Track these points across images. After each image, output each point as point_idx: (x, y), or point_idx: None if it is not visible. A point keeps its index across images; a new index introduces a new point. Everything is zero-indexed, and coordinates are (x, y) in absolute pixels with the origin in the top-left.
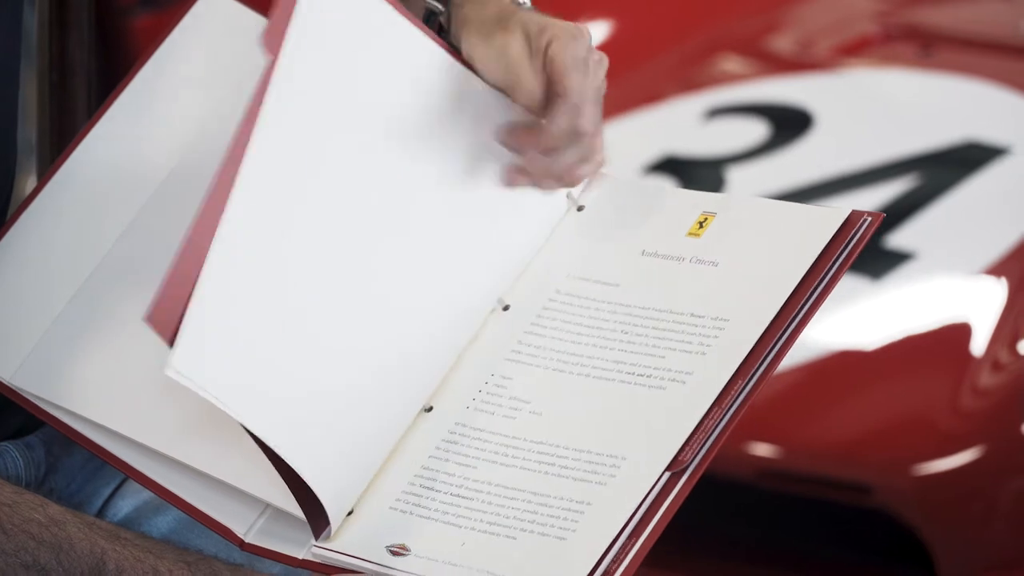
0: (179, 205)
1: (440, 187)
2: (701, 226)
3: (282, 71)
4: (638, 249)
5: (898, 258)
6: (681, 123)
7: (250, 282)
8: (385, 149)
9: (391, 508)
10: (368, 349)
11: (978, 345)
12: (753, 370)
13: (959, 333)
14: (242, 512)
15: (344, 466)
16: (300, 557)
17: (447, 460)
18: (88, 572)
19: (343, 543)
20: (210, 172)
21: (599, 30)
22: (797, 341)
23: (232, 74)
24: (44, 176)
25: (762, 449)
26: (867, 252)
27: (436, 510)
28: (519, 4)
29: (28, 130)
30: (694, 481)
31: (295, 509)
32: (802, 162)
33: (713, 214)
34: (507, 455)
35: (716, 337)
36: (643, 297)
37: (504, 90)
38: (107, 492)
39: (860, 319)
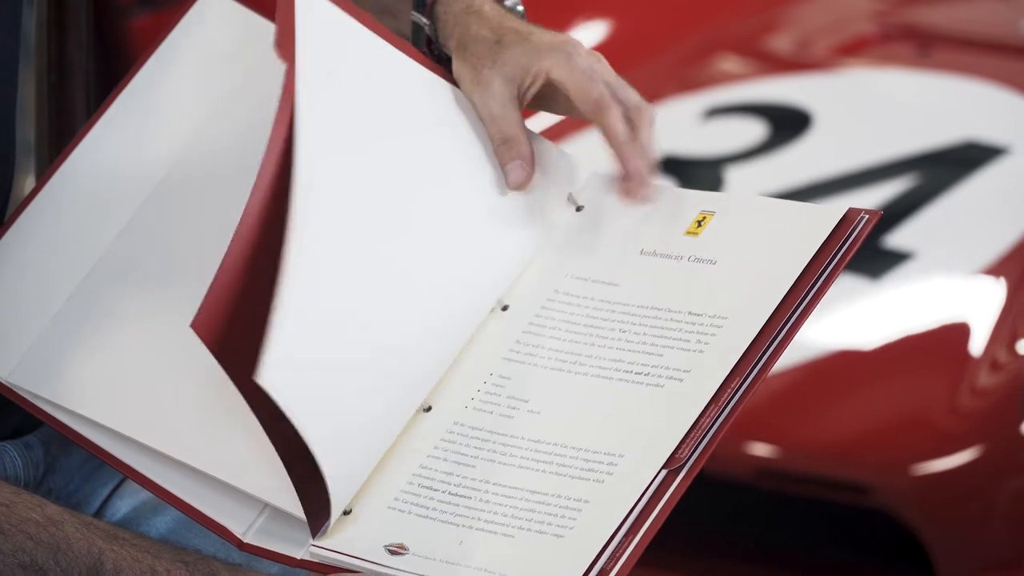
0: (177, 205)
1: (439, 189)
2: (699, 225)
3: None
4: (636, 248)
5: (897, 258)
6: (679, 123)
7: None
8: (386, 154)
9: (389, 508)
10: (372, 347)
11: (977, 345)
12: (750, 368)
13: (958, 333)
14: (240, 512)
15: (349, 457)
16: (298, 557)
17: (445, 459)
18: (86, 572)
19: (341, 543)
20: (208, 171)
21: (597, 30)
22: (796, 341)
23: (231, 73)
24: (43, 176)
25: (761, 449)
26: (866, 252)
27: (434, 509)
28: (509, 8)
29: (27, 130)
30: (691, 479)
31: (294, 509)
32: (800, 162)
33: (711, 213)
34: (505, 454)
35: (713, 335)
36: (641, 296)
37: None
38: (105, 492)
39: (859, 319)
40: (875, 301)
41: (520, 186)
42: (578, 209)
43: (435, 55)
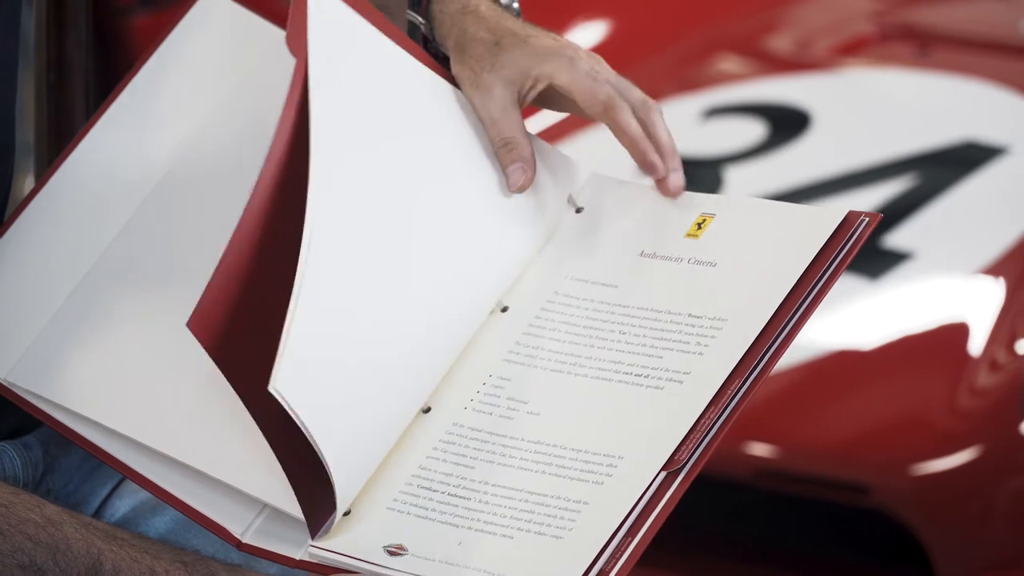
0: (176, 205)
1: (441, 190)
2: (699, 227)
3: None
4: (636, 250)
5: (896, 258)
6: (679, 123)
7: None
8: (389, 155)
9: (388, 508)
10: (375, 348)
11: (976, 345)
12: (750, 370)
13: (957, 333)
14: (239, 512)
15: (353, 460)
16: (297, 557)
17: (444, 460)
18: (84, 572)
19: (340, 543)
20: (208, 172)
21: (596, 30)
22: (795, 341)
23: (231, 74)
24: (42, 177)
25: (760, 449)
26: (865, 252)
27: (433, 510)
28: (505, 6)
29: (26, 131)
30: (690, 481)
31: (292, 509)
32: (800, 162)
33: (711, 215)
34: (505, 455)
35: (713, 337)
36: (641, 298)
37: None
38: (104, 492)
39: (858, 319)
40: (874, 301)
41: (521, 188)
42: (578, 211)
43: (431, 54)
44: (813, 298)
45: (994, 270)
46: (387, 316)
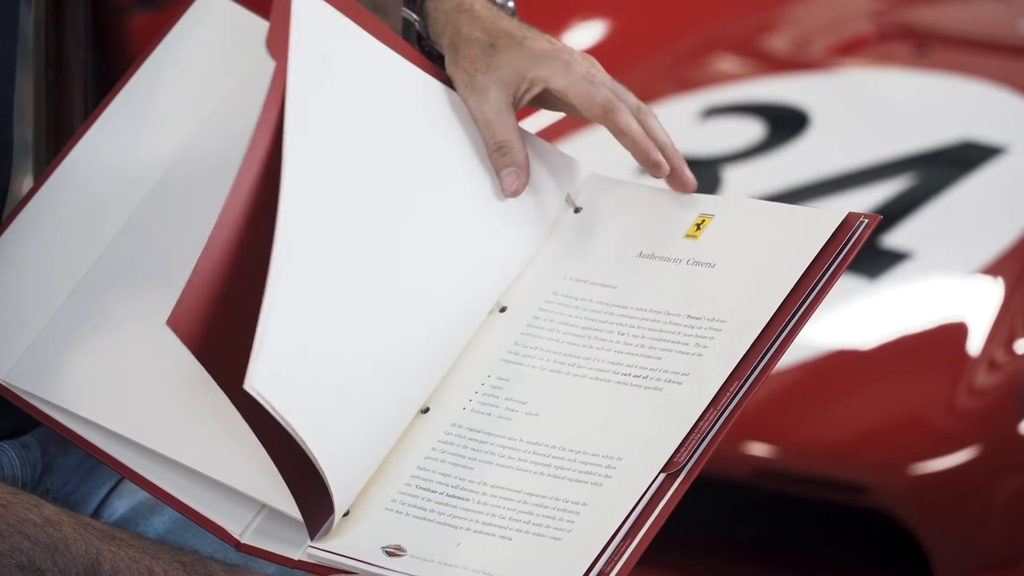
0: (175, 205)
1: (437, 190)
2: (698, 228)
3: (294, 84)
4: (635, 251)
5: (894, 258)
6: (677, 123)
7: (297, 290)
8: (387, 159)
9: (387, 509)
10: (372, 350)
11: (974, 344)
12: (749, 372)
13: (955, 333)
14: (237, 512)
15: (350, 463)
16: (296, 558)
17: (443, 461)
18: (83, 572)
19: (339, 544)
20: (206, 171)
21: (595, 30)
22: (793, 341)
23: (229, 74)
24: (41, 176)
25: (759, 449)
26: (863, 252)
27: (432, 511)
28: (500, 5)
29: (24, 130)
30: (689, 482)
31: (291, 509)
32: (798, 162)
33: (711, 216)
34: (503, 456)
35: (712, 339)
36: (640, 299)
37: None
38: (103, 492)
39: (857, 319)
40: (873, 301)
41: (514, 192)
42: (576, 211)
43: (426, 51)
44: (812, 300)
45: (993, 270)
46: (380, 317)
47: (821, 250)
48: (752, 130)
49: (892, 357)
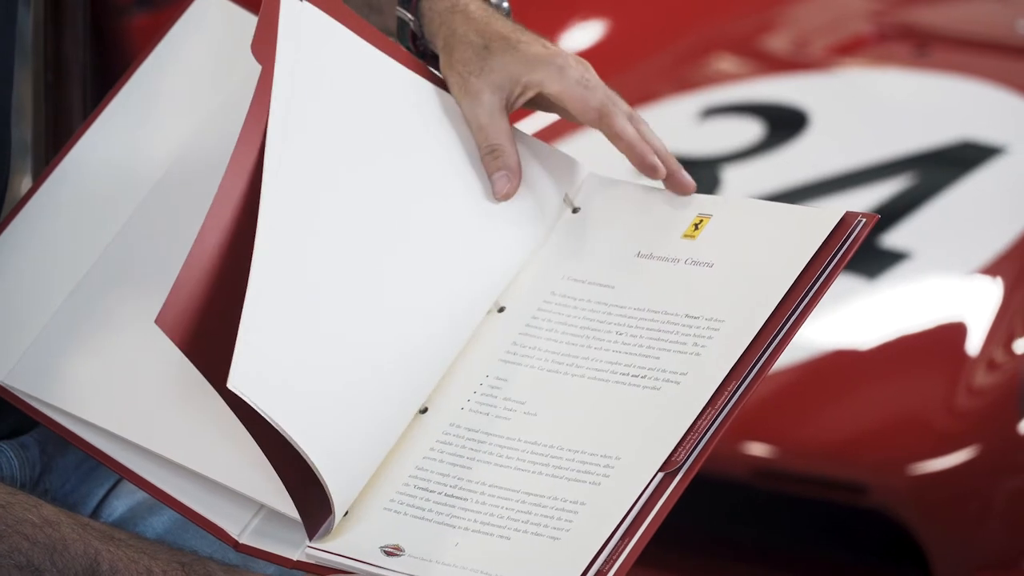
0: (174, 205)
1: (433, 191)
2: (696, 228)
3: (281, 86)
4: (633, 251)
5: (893, 258)
6: (676, 123)
7: (282, 290)
8: (382, 160)
9: (385, 509)
10: (370, 351)
11: (973, 344)
12: (747, 371)
13: (954, 333)
14: (236, 513)
15: (349, 465)
16: (294, 558)
17: (441, 461)
18: (82, 573)
19: (337, 544)
20: (206, 172)
21: (594, 30)
22: (792, 340)
23: (228, 75)
24: (40, 176)
25: (758, 449)
26: (862, 252)
27: (430, 511)
28: (495, 6)
29: (23, 130)
30: (687, 481)
31: (289, 510)
32: (797, 162)
33: (709, 216)
34: (501, 456)
35: (710, 338)
36: (638, 298)
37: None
38: (102, 492)
39: (856, 319)
40: (872, 301)
41: (506, 196)
42: (575, 211)
43: (420, 51)
44: (810, 299)
45: (992, 270)
46: (377, 318)
47: (819, 249)
48: (751, 130)
49: (891, 357)
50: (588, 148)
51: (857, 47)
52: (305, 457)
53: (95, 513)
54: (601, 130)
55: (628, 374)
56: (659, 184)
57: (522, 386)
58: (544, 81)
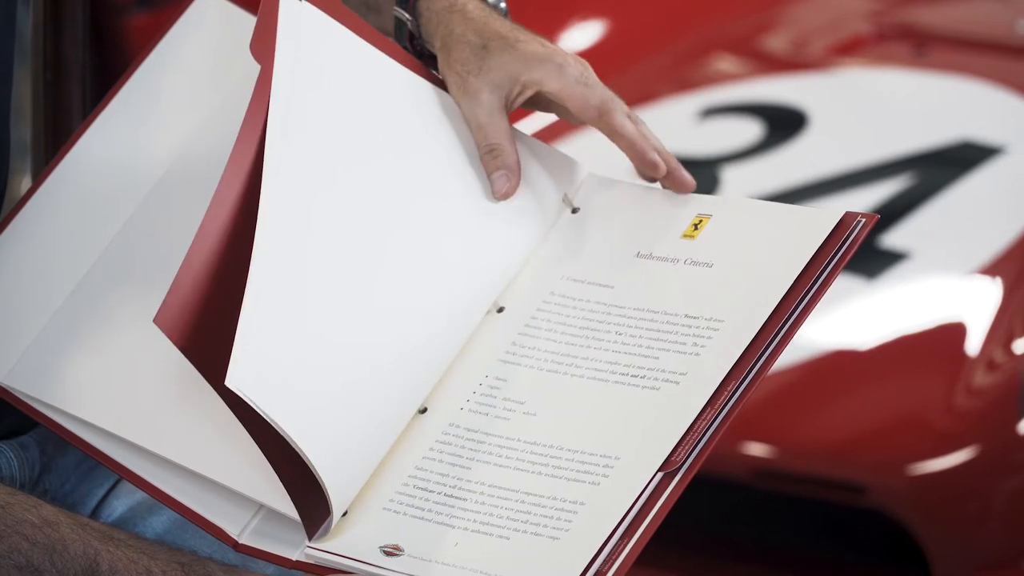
0: (174, 205)
1: (432, 192)
2: (696, 228)
3: (280, 86)
4: (633, 251)
5: (893, 258)
6: (675, 123)
7: (280, 290)
8: (381, 160)
9: (385, 509)
10: (369, 350)
11: (973, 345)
12: (746, 371)
13: (954, 333)
14: (235, 513)
15: (348, 464)
16: (294, 559)
17: (441, 461)
18: (81, 573)
19: (337, 544)
20: (205, 172)
21: (593, 30)
22: (792, 340)
23: (227, 74)
24: (39, 176)
25: (757, 449)
26: (862, 252)
27: (430, 511)
28: (493, 6)
29: (23, 130)
30: (687, 481)
31: (289, 510)
32: (796, 162)
33: (708, 216)
34: (501, 456)
35: (710, 338)
36: (637, 298)
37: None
38: (101, 492)
39: (855, 319)
40: (871, 301)
41: (505, 195)
42: (574, 211)
43: (418, 51)
44: (810, 299)
45: (991, 270)
46: (376, 318)
47: (818, 249)
48: (751, 130)
49: (891, 357)
50: (587, 148)
51: (856, 47)
52: (303, 456)
53: (94, 513)
54: (600, 128)
55: (627, 374)
56: (658, 184)
57: (521, 386)
58: (543, 79)
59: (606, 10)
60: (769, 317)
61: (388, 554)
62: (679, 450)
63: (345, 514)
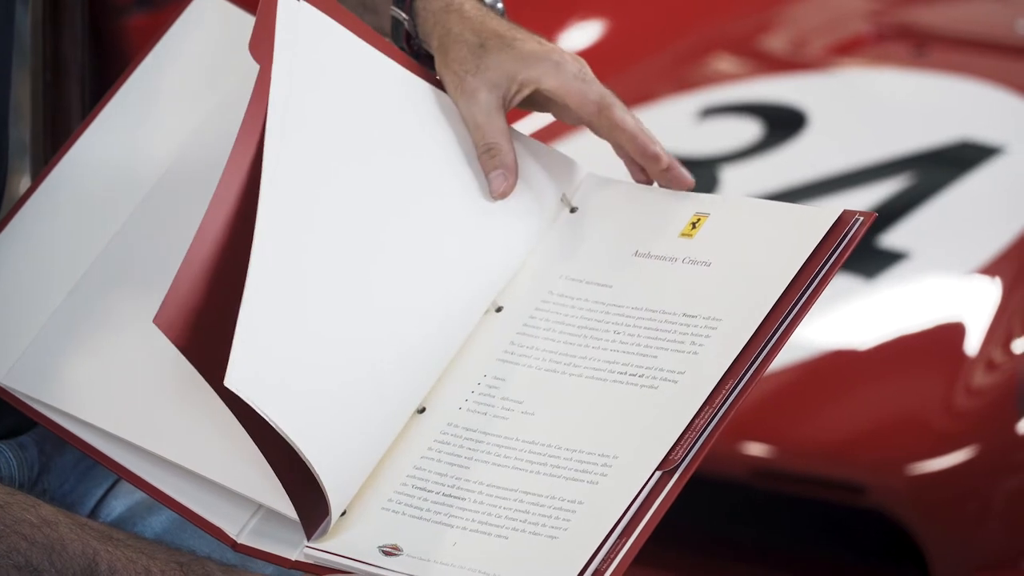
0: (173, 205)
1: (430, 191)
2: (694, 227)
3: (279, 86)
4: (631, 250)
5: (892, 258)
6: (674, 123)
7: (279, 290)
8: (379, 159)
9: (383, 508)
10: (367, 350)
11: (972, 344)
12: (744, 370)
13: (953, 332)
14: (234, 513)
15: (346, 465)
16: (292, 558)
17: (439, 460)
18: (80, 573)
19: (335, 544)
20: (204, 172)
21: (592, 30)
22: (791, 340)
23: (226, 74)
24: (38, 176)
25: (756, 449)
26: (861, 252)
27: (428, 510)
28: (490, 5)
29: (22, 130)
30: (685, 480)
31: (287, 510)
32: (796, 162)
33: (706, 215)
34: (499, 455)
35: (708, 337)
36: (635, 298)
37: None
38: (100, 492)
39: (854, 319)
40: (870, 301)
41: (502, 195)
42: (572, 210)
43: (414, 51)
44: (808, 298)
45: (990, 270)
46: (374, 318)
47: (816, 248)
48: (750, 130)
49: (890, 357)
50: (585, 148)
51: (856, 47)
52: (302, 456)
53: (93, 513)
54: (600, 123)
55: (626, 373)
56: (655, 184)
57: (520, 386)
58: (541, 77)
59: (605, 10)
60: (767, 316)
61: (387, 554)
62: (677, 449)
63: (344, 514)
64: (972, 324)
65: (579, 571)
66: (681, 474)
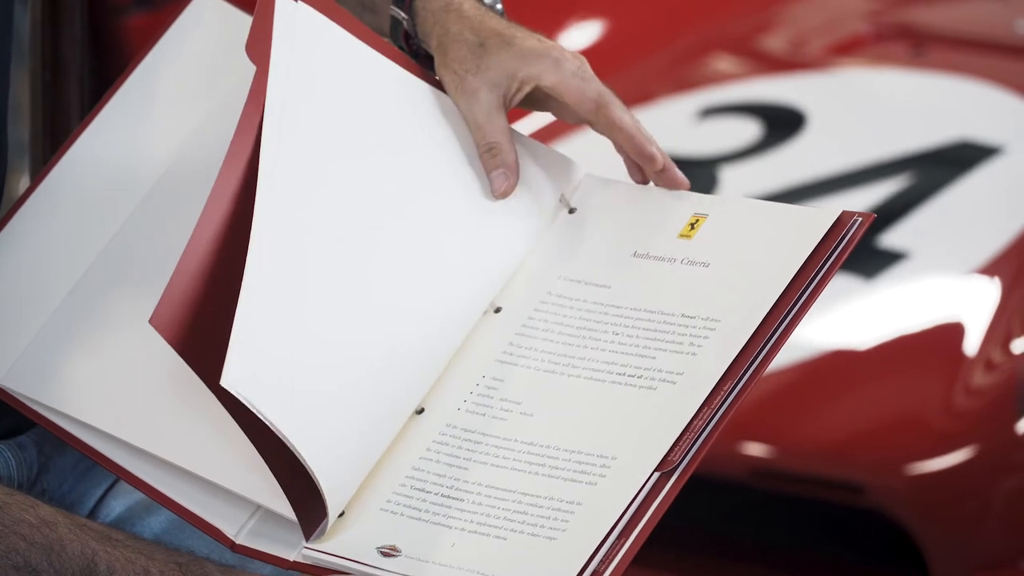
0: (172, 205)
1: (429, 192)
2: (693, 227)
3: (276, 86)
4: (629, 250)
5: (891, 258)
6: (673, 123)
7: (276, 290)
8: (377, 159)
9: (382, 509)
10: (365, 350)
11: (971, 344)
12: (743, 371)
13: (952, 333)
14: (232, 513)
15: (344, 465)
16: (291, 559)
17: (438, 461)
18: (79, 573)
19: (334, 544)
20: (203, 173)
21: (592, 30)
22: (790, 340)
23: (225, 75)
24: (37, 176)
25: (755, 449)
26: (860, 252)
27: (427, 511)
28: (489, 5)
29: (21, 130)
30: (683, 481)
31: (286, 510)
32: (795, 162)
33: (705, 215)
34: (498, 456)
35: (706, 338)
36: (634, 298)
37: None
38: (99, 492)
39: (853, 319)
40: (870, 301)
41: (504, 194)
42: (571, 211)
43: (413, 50)
44: (806, 298)
45: (990, 270)
46: (372, 318)
47: (815, 249)
48: (749, 130)
49: (889, 357)
50: (584, 149)
51: (855, 47)
52: (299, 456)
53: (92, 513)
54: (598, 121)
55: (624, 374)
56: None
57: (518, 386)
58: (540, 74)
59: (605, 10)
60: (766, 316)
61: (385, 555)
62: (676, 450)
63: (342, 515)
64: (971, 324)
65: (578, 572)
66: (679, 475)
